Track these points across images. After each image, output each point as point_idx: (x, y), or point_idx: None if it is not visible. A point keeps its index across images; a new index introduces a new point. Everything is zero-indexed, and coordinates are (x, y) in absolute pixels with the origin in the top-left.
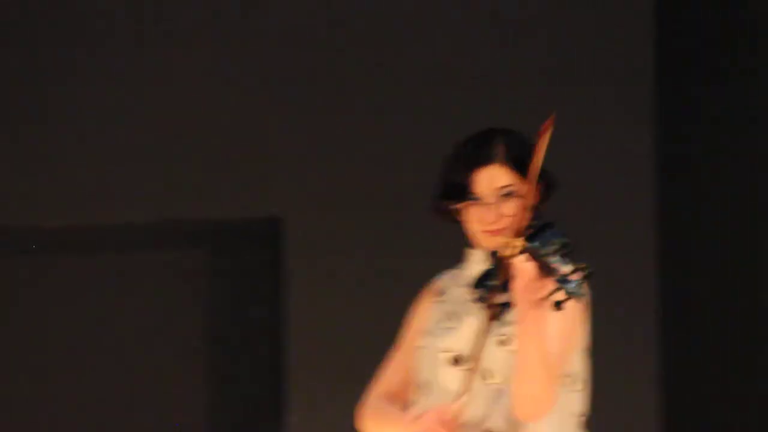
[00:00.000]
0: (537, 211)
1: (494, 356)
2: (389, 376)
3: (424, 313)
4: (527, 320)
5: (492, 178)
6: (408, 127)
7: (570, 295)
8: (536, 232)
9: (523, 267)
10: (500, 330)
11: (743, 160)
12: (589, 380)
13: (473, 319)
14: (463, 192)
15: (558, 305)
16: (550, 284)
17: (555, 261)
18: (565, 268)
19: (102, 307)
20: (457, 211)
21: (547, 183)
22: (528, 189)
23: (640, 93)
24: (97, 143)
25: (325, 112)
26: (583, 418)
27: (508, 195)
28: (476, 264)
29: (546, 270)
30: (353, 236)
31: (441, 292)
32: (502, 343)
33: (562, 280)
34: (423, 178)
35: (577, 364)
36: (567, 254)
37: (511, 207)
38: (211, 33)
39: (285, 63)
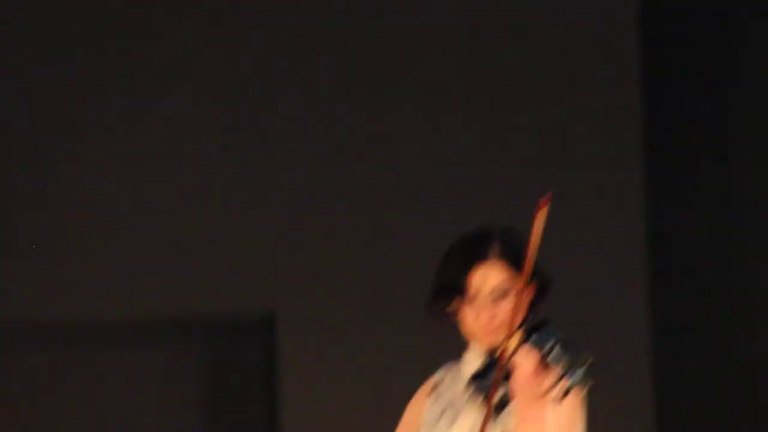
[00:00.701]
0: (533, 308)
1: None
2: None
3: (420, 409)
4: (527, 414)
5: (487, 278)
6: (396, 220)
7: (574, 386)
8: (533, 330)
9: (523, 361)
10: (497, 428)
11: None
12: None
13: (469, 417)
14: (457, 292)
15: (564, 395)
16: (551, 376)
17: (555, 353)
18: (565, 360)
19: (99, 402)
20: (453, 310)
21: (543, 280)
22: (523, 279)
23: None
24: (94, 238)
25: (315, 208)
26: None
27: (503, 294)
28: (472, 361)
29: (546, 363)
30: (345, 327)
31: (436, 389)
32: None
33: (566, 371)
34: (415, 270)
35: None
36: (564, 348)
37: (505, 306)
38: (212, 128)
39: (272, 166)
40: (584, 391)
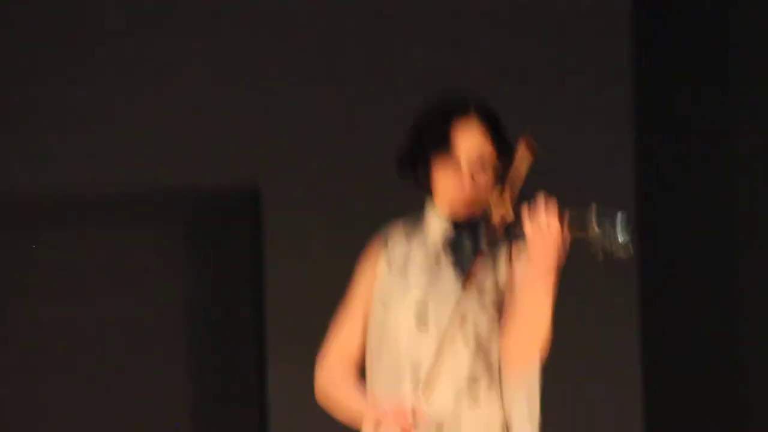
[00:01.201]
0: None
1: (479, 319)
2: (346, 337)
3: (380, 274)
4: (545, 279)
5: (468, 133)
6: (386, 96)
7: (615, 244)
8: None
9: (549, 224)
10: (482, 296)
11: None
12: None
13: (445, 283)
14: (440, 142)
15: (605, 254)
16: (582, 237)
17: (578, 213)
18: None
19: (86, 275)
20: (428, 173)
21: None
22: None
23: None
24: (75, 112)
25: (302, 84)
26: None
27: (483, 165)
28: (437, 228)
29: (575, 227)
30: (330, 204)
31: (394, 263)
32: (483, 307)
33: (603, 234)
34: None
35: None
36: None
37: (485, 177)
38: (201, 6)
39: (262, 39)
40: (626, 250)
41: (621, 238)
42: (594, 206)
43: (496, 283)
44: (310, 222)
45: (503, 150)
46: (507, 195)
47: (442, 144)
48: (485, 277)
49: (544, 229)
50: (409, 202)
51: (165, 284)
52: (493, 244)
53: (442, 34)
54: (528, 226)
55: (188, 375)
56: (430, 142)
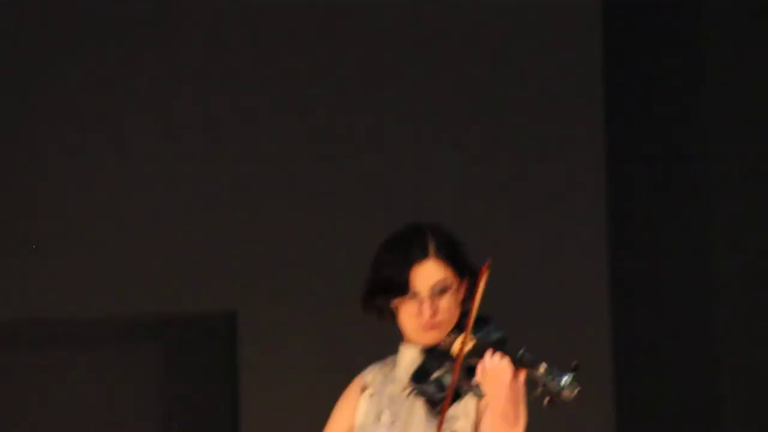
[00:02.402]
0: (465, 304)
1: None
2: None
3: (350, 409)
4: (506, 411)
5: (427, 275)
6: (358, 223)
7: (562, 390)
8: (478, 326)
9: (501, 366)
10: (450, 425)
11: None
12: None
13: (415, 417)
14: (399, 288)
15: (551, 401)
16: (523, 374)
17: (530, 357)
18: (545, 364)
19: (59, 401)
20: (391, 308)
21: (473, 277)
22: (466, 333)
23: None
24: (59, 238)
25: (277, 210)
26: None
27: (443, 290)
28: (410, 360)
29: (526, 369)
30: (305, 329)
31: (368, 389)
32: None
33: (551, 376)
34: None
35: None
36: (556, 374)
37: (446, 301)
38: (174, 134)
39: (235, 171)
40: (572, 397)
41: (567, 390)
42: (544, 365)
43: (467, 415)
44: (288, 347)
45: (464, 273)
46: (468, 320)
47: (402, 287)
48: (456, 414)
49: (492, 373)
50: (390, 329)
51: (143, 405)
52: (461, 377)
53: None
54: (479, 371)
55: None
56: (390, 287)
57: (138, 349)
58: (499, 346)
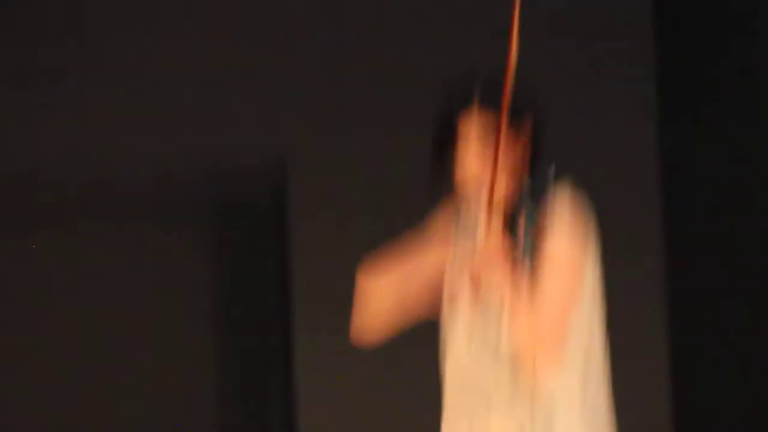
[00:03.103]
0: (534, 146)
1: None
2: (403, 277)
3: (447, 235)
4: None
5: (473, 123)
6: (408, 78)
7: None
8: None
9: (487, 246)
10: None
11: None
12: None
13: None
14: (448, 135)
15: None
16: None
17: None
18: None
19: (112, 269)
20: (449, 155)
21: (535, 114)
22: (507, 86)
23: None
24: (102, 91)
25: (326, 60)
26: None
27: (491, 140)
28: (465, 208)
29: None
30: (357, 177)
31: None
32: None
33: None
34: (426, 122)
35: (587, 322)
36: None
37: (494, 153)
38: None
39: (285, 12)
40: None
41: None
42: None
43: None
44: (336, 196)
45: (515, 123)
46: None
47: (452, 136)
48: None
49: (485, 251)
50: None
51: (193, 261)
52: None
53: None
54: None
55: (216, 356)
56: (443, 137)
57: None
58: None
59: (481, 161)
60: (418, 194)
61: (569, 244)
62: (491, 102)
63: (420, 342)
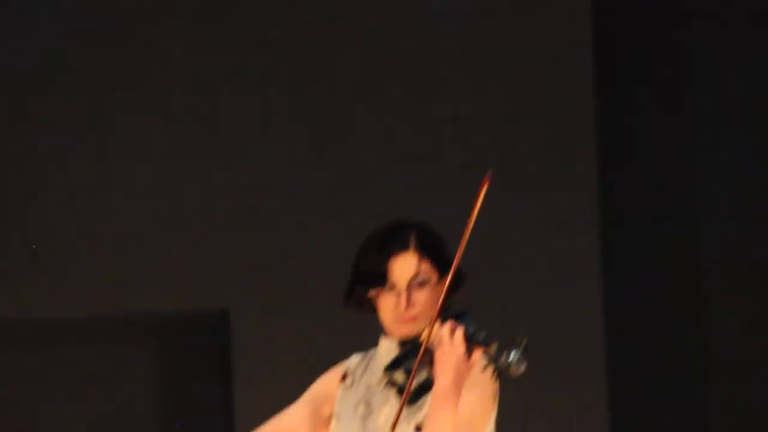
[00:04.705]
0: (447, 301)
1: None
2: (291, 420)
3: (332, 389)
4: (446, 396)
5: (405, 267)
6: (352, 222)
7: (510, 365)
8: (454, 318)
9: (452, 339)
10: (416, 416)
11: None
12: None
13: (384, 408)
14: (377, 279)
15: (498, 375)
16: (483, 356)
17: (484, 333)
18: (496, 340)
19: (53, 400)
20: (371, 300)
21: (457, 275)
22: (456, 261)
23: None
24: (51, 236)
25: (269, 212)
26: None
27: (421, 284)
28: (387, 352)
29: (474, 341)
30: (297, 329)
31: (349, 377)
32: (418, 428)
33: (500, 351)
34: None
35: None
36: (484, 340)
37: (423, 295)
38: (168, 134)
39: (225, 171)
40: (495, 390)
41: (514, 366)
42: (496, 343)
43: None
44: (280, 343)
45: (444, 268)
46: (432, 310)
47: (380, 279)
48: (423, 404)
49: (446, 346)
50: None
51: (135, 406)
52: (425, 361)
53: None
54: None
55: None
56: (369, 279)
57: (130, 348)
58: (471, 338)
59: (408, 304)
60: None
61: (495, 383)
62: (425, 247)
63: None
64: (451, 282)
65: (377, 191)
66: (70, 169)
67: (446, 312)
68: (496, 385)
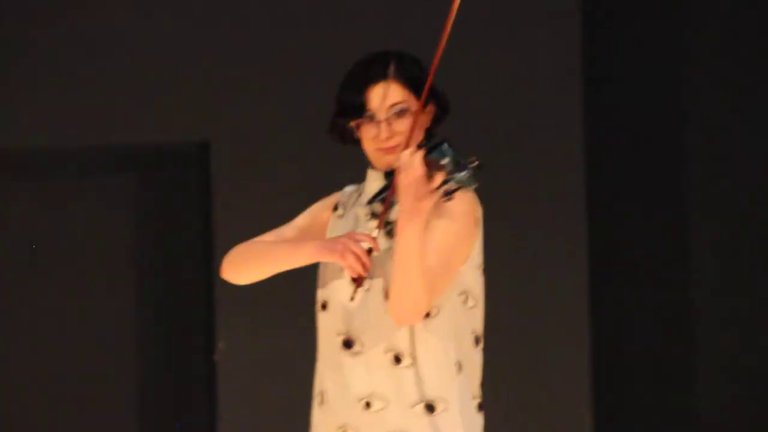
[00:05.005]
0: (430, 131)
1: (388, 270)
2: (286, 233)
3: (321, 218)
4: (408, 218)
5: (384, 95)
6: (337, 47)
7: (460, 185)
8: (430, 149)
9: (411, 162)
10: (393, 244)
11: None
12: (483, 298)
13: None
14: (356, 109)
15: (448, 195)
16: (438, 177)
17: (439, 153)
18: (450, 159)
19: (32, 231)
20: (353, 131)
21: (440, 105)
22: (428, 83)
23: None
24: (33, 66)
25: (257, 38)
26: (477, 335)
27: (401, 112)
28: (373, 182)
29: (435, 167)
30: (278, 159)
31: (341, 207)
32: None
33: (452, 171)
34: None
35: (471, 280)
36: (476, 167)
37: (403, 124)
38: None
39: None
40: (475, 218)
41: (466, 183)
42: (449, 159)
43: None
44: (259, 176)
45: (426, 98)
46: (413, 139)
47: (359, 108)
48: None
49: (406, 170)
50: (359, 155)
51: (114, 238)
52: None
53: None
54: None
55: (136, 330)
56: (348, 110)
57: (111, 179)
58: (433, 161)
59: (388, 132)
60: None
61: (467, 206)
62: (404, 75)
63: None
64: (429, 107)
65: (359, 23)
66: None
67: (429, 140)
68: (471, 210)
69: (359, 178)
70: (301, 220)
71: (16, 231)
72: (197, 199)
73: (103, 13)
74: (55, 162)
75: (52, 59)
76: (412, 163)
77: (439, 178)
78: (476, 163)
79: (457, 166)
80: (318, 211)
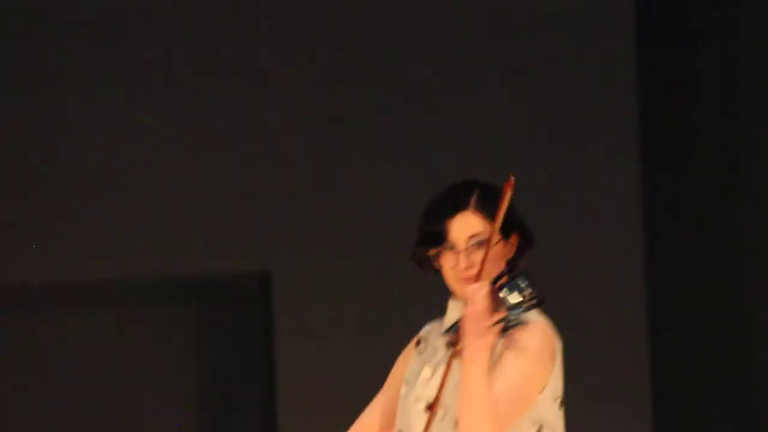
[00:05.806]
0: (512, 263)
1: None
2: (366, 418)
3: (406, 361)
4: (470, 353)
5: (464, 226)
6: (393, 179)
7: (517, 322)
8: (509, 280)
9: (475, 296)
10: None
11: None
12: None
13: (444, 366)
14: (437, 239)
15: (507, 331)
16: (497, 314)
17: (509, 288)
18: (517, 294)
19: (96, 363)
20: (435, 260)
21: (523, 237)
22: (492, 236)
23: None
24: (93, 201)
25: (312, 165)
26: None
27: (480, 243)
28: (451, 312)
29: (499, 301)
30: (341, 289)
31: (422, 343)
32: None
33: (512, 307)
34: (409, 230)
35: (547, 412)
36: (533, 304)
37: (481, 255)
38: (206, 91)
39: (273, 124)
40: (554, 349)
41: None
42: (522, 277)
43: None
44: (320, 305)
45: (509, 231)
46: (492, 270)
47: (439, 238)
48: None
49: (471, 303)
50: (422, 283)
51: (176, 369)
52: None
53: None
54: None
55: None
56: (428, 237)
57: (172, 312)
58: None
59: (467, 263)
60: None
61: (539, 338)
62: (486, 208)
63: None
64: (513, 238)
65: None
66: (97, 126)
67: (512, 272)
68: (545, 343)
69: (419, 300)
70: (387, 384)
71: (73, 363)
72: (258, 331)
73: (164, 145)
74: (120, 293)
75: (115, 190)
76: (474, 298)
77: (498, 314)
78: (534, 301)
79: (517, 304)
80: (401, 365)
